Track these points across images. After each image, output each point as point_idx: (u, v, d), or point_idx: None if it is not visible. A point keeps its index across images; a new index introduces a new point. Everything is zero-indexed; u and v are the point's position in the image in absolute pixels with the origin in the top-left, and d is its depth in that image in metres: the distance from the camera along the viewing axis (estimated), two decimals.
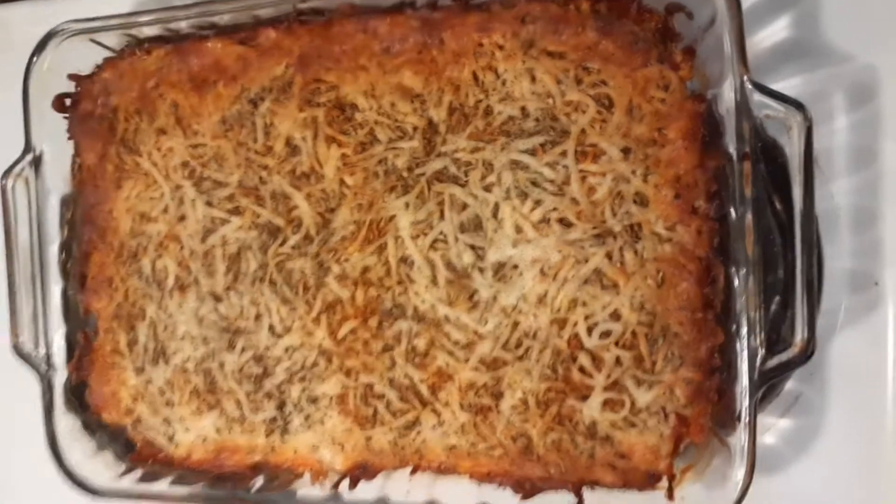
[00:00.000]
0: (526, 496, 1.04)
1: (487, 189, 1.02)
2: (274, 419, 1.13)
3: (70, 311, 1.21)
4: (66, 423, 1.18)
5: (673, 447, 0.98)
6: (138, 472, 1.19)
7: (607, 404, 0.99)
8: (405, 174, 1.05)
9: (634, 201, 0.98)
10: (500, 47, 1.02)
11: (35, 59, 1.14)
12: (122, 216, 1.17)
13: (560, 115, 1.00)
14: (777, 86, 0.90)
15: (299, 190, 1.09)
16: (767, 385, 0.90)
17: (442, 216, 1.04)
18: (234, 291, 1.13)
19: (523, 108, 1.02)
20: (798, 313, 0.88)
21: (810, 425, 1.09)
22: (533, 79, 1.01)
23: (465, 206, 1.03)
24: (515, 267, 1.02)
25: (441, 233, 1.04)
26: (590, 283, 0.99)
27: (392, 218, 1.06)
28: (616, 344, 0.99)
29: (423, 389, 1.06)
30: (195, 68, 1.13)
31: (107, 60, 1.17)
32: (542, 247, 1.00)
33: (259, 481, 1.15)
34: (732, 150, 0.91)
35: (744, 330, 0.90)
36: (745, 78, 0.89)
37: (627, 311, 0.98)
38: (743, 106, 0.89)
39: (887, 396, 1.06)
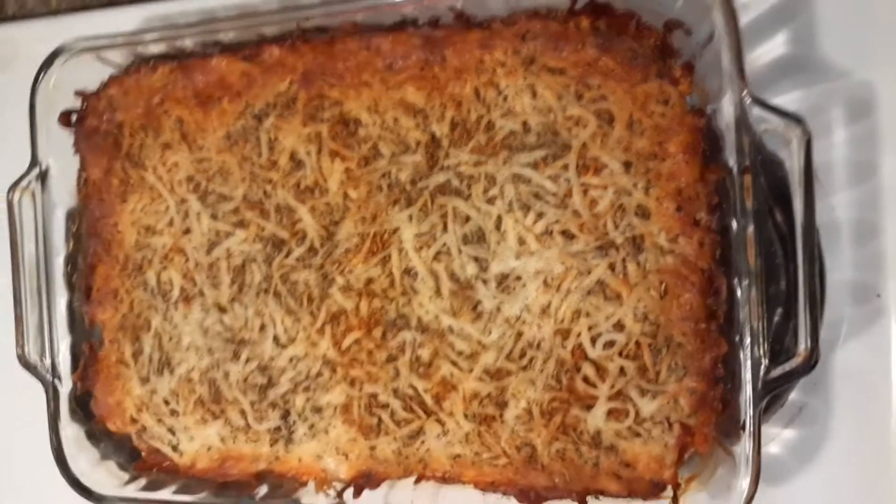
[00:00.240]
0: None
1: (490, 202, 1.03)
2: (278, 428, 1.13)
3: (75, 322, 1.21)
4: (72, 433, 1.18)
5: (677, 457, 0.99)
6: (143, 481, 1.19)
7: (611, 414, 1.00)
8: (408, 187, 1.06)
9: (636, 214, 0.99)
10: (502, 64, 1.03)
11: (42, 75, 1.14)
12: (128, 229, 1.18)
13: (561, 130, 1.01)
14: (776, 100, 0.91)
15: (303, 203, 1.10)
16: (771, 395, 0.91)
17: (445, 228, 1.04)
18: (238, 303, 1.13)
19: (525, 123, 1.03)
20: (801, 323, 0.89)
21: (814, 436, 1.10)
22: (534, 94, 1.02)
23: (468, 219, 1.04)
24: (519, 278, 1.02)
25: (444, 245, 1.04)
26: (593, 294, 1.00)
27: (396, 230, 1.06)
28: (620, 354, 0.99)
29: (428, 399, 1.06)
30: (200, 85, 1.14)
31: (112, 77, 1.18)
32: (545, 258, 1.01)
33: (263, 490, 1.15)
34: (733, 163, 0.91)
35: (747, 340, 0.91)
36: (745, 92, 0.90)
37: (631, 322, 0.99)
38: (742, 120, 0.90)
39: (891, 407, 1.07)
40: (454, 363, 1.05)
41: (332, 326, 1.09)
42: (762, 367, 0.90)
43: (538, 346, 1.02)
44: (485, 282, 1.04)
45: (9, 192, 1.16)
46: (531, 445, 1.04)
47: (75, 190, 1.21)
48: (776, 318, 0.97)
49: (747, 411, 0.90)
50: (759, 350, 0.90)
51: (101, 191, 1.19)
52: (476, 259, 1.04)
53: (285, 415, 1.12)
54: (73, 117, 1.19)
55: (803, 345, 0.89)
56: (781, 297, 0.97)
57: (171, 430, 1.18)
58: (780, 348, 0.95)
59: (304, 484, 1.14)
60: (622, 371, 1.00)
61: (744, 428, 0.90)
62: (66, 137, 1.19)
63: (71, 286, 1.21)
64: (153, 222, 1.17)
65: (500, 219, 1.03)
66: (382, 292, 1.07)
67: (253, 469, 1.16)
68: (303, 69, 1.10)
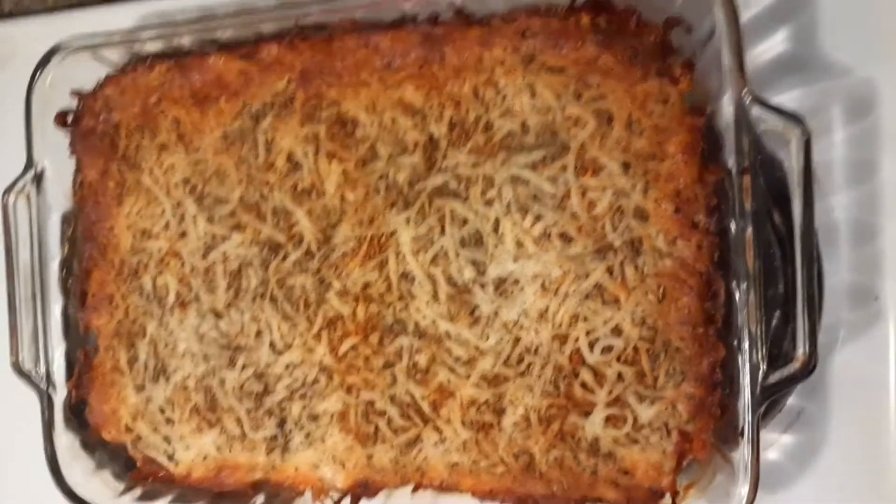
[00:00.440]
0: None
1: (488, 204, 1.02)
2: (275, 437, 1.12)
3: (70, 328, 1.21)
4: (66, 441, 1.17)
5: (676, 463, 0.98)
6: (138, 491, 1.18)
7: (609, 420, 0.99)
8: (406, 189, 1.05)
9: (634, 216, 0.97)
10: (501, 62, 1.02)
11: (38, 74, 1.14)
12: (123, 233, 1.17)
13: (560, 130, 1.00)
14: (775, 99, 0.89)
15: (300, 206, 1.09)
16: (770, 400, 0.90)
17: (443, 231, 1.03)
18: (234, 308, 1.13)
19: (523, 123, 1.02)
20: (799, 328, 0.88)
21: (813, 441, 1.08)
22: (533, 93, 1.01)
23: (465, 222, 1.03)
24: (516, 282, 1.01)
25: (442, 248, 1.03)
26: (591, 298, 0.99)
27: (393, 233, 1.05)
28: (618, 359, 0.98)
29: (425, 406, 1.05)
30: (197, 84, 1.13)
31: (109, 77, 1.18)
32: (542, 262, 1.00)
33: (260, 499, 1.15)
34: (732, 163, 0.91)
35: (745, 344, 0.90)
36: (744, 91, 0.89)
37: (629, 326, 0.98)
38: (742, 119, 0.89)
39: (889, 411, 1.05)
40: (451, 369, 1.04)
41: (328, 332, 1.08)
42: (760, 372, 0.89)
43: (536, 351, 1.01)
44: (482, 286, 1.03)
45: (4, 194, 1.15)
46: (529, 453, 1.03)
47: (70, 192, 1.20)
48: (774, 322, 0.96)
49: (746, 417, 0.89)
50: (757, 355, 0.89)
51: (96, 193, 1.18)
52: (474, 263, 1.03)
53: (281, 423, 1.12)
54: (70, 117, 1.18)
55: (801, 349, 0.88)
56: (779, 301, 0.96)
57: (167, 439, 1.18)
58: (777, 352, 0.93)
59: (301, 493, 1.14)
60: (620, 376, 0.98)
61: (742, 434, 0.89)
62: (61, 138, 1.18)
63: (66, 291, 1.21)
64: (149, 226, 1.16)
65: (497, 221, 1.02)
66: (379, 297, 1.06)
67: (249, 478, 1.15)
68: (301, 68, 1.09)
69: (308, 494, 1.13)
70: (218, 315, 1.13)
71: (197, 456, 1.16)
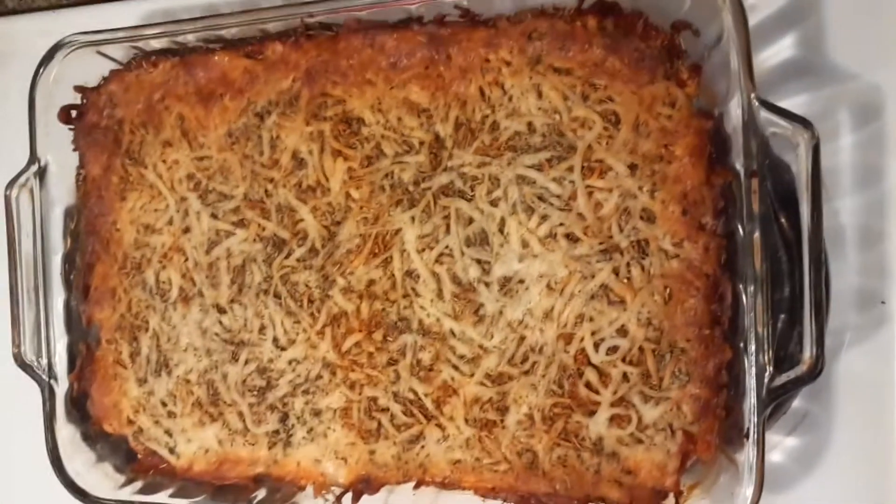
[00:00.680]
0: None
1: (494, 203, 1.02)
2: (277, 432, 1.12)
3: (72, 321, 1.21)
4: (67, 433, 1.18)
5: (680, 464, 0.98)
6: (139, 484, 1.18)
7: (614, 420, 0.99)
8: (411, 188, 1.05)
9: (641, 217, 0.98)
10: (507, 63, 1.02)
11: (42, 70, 1.14)
12: (126, 227, 1.17)
13: (566, 131, 1.00)
14: (782, 104, 0.89)
15: (305, 203, 1.09)
16: (775, 403, 0.90)
17: (448, 230, 1.04)
18: (238, 303, 1.13)
19: (530, 124, 1.02)
20: (806, 331, 0.88)
21: (817, 443, 1.09)
22: (539, 95, 1.01)
23: (471, 221, 1.03)
24: (522, 281, 1.02)
25: (447, 247, 1.04)
26: (596, 299, 0.99)
27: (398, 231, 1.06)
28: (623, 360, 0.99)
29: (428, 403, 1.05)
30: (202, 81, 1.13)
31: (113, 73, 1.18)
32: (548, 262, 1.00)
33: (261, 494, 1.15)
34: (739, 167, 0.91)
35: (752, 347, 0.90)
36: (753, 95, 0.89)
37: (634, 327, 0.98)
38: (750, 123, 0.89)
39: (894, 415, 1.06)
40: (455, 367, 1.04)
41: (332, 328, 1.09)
42: (767, 374, 0.89)
43: (540, 350, 1.01)
44: (487, 285, 1.03)
45: (7, 188, 1.15)
46: (532, 451, 1.03)
47: (74, 187, 1.20)
48: (779, 326, 0.96)
49: (751, 419, 0.89)
50: (763, 357, 0.89)
51: (100, 188, 1.18)
52: (479, 262, 1.03)
53: (284, 418, 1.12)
54: (73, 113, 1.18)
55: (808, 352, 0.88)
56: (785, 305, 0.96)
57: (168, 432, 1.18)
58: (784, 355, 0.94)
59: (303, 488, 1.14)
60: (625, 377, 0.99)
61: (747, 436, 0.89)
62: (65, 134, 1.18)
63: (68, 285, 1.21)
64: (152, 221, 1.16)
65: (503, 221, 1.02)
66: (384, 294, 1.07)
67: (251, 472, 1.15)
68: (306, 67, 1.09)
69: (310, 489, 1.13)
70: (221, 310, 1.14)
71: (198, 449, 1.17)
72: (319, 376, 1.10)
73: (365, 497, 1.10)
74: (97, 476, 1.18)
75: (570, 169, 1.00)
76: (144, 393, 1.18)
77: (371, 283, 1.07)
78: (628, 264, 0.98)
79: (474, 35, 1.03)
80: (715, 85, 0.96)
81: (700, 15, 0.96)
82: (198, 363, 1.15)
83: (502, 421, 1.03)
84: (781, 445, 1.09)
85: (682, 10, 0.98)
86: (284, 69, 1.10)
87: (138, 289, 1.17)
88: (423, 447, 1.07)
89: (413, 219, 1.05)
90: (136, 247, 1.17)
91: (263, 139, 1.11)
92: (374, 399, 1.08)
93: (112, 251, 1.18)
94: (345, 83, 1.08)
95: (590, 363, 1.00)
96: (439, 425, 1.06)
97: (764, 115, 0.89)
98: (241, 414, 1.13)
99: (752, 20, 0.96)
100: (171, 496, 1.16)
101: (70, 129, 1.18)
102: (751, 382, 0.90)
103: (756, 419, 0.89)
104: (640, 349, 0.98)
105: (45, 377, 1.17)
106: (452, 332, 1.04)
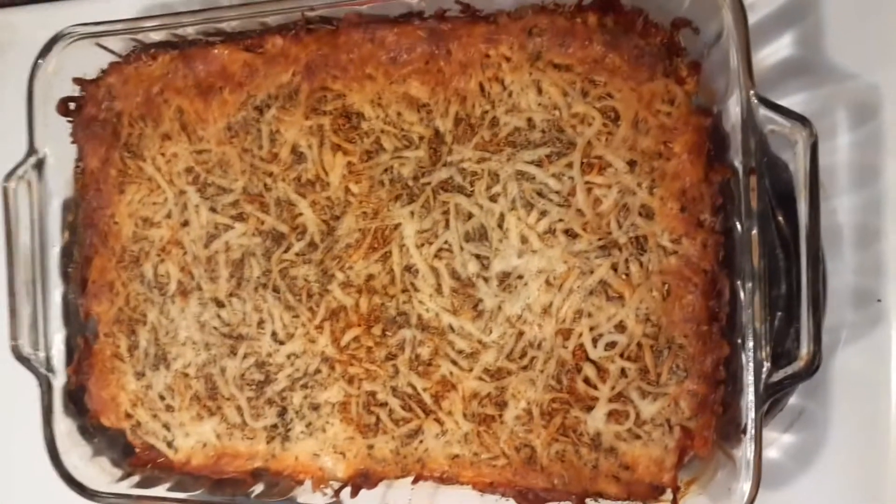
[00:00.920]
0: None
1: (493, 199, 1.03)
2: (275, 426, 1.13)
3: (70, 314, 1.21)
4: (65, 427, 1.18)
5: (677, 459, 0.98)
6: (136, 477, 1.18)
7: (612, 416, 1.00)
8: (411, 183, 1.06)
9: (640, 214, 0.98)
10: (507, 59, 1.02)
11: (40, 61, 1.14)
12: (125, 221, 1.17)
13: (566, 127, 1.01)
14: (781, 102, 0.90)
15: (304, 197, 1.09)
16: (772, 399, 0.90)
17: (447, 225, 1.04)
18: (236, 297, 1.13)
19: (529, 120, 1.02)
20: (804, 327, 0.88)
21: (814, 440, 1.09)
22: (539, 91, 1.02)
23: (470, 216, 1.03)
24: (520, 277, 1.02)
25: (446, 242, 1.04)
26: (595, 295, 0.99)
27: (397, 226, 1.06)
28: (621, 355, 0.99)
29: (427, 398, 1.06)
30: (201, 74, 1.13)
31: (112, 65, 1.17)
32: (547, 257, 1.01)
33: (259, 488, 1.15)
34: (738, 164, 0.91)
35: (749, 343, 0.90)
36: (752, 93, 0.89)
37: (633, 323, 0.98)
38: (749, 120, 0.90)
39: (890, 412, 1.06)
40: (454, 362, 1.04)
41: (331, 323, 1.09)
42: (764, 370, 0.90)
43: (539, 345, 1.02)
44: (486, 280, 1.03)
45: (5, 180, 1.15)
46: (530, 446, 1.03)
47: (72, 180, 1.20)
48: (776, 323, 0.97)
49: (748, 415, 0.90)
50: (761, 353, 0.90)
51: (98, 181, 1.18)
52: (478, 257, 1.03)
53: (282, 412, 1.12)
54: (72, 105, 1.18)
55: (805, 348, 0.88)
56: (782, 302, 0.96)
57: (166, 426, 1.18)
58: (780, 352, 0.94)
59: (301, 482, 1.14)
60: (623, 372, 0.99)
61: (745, 432, 0.90)
62: (63, 126, 1.18)
63: (66, 278, 1.21)
64: (151, 214, 1.16)
65: (502, 216, 1.02)
66: (383, 289, 1.07)
67: (249, 467, 1.15)
68: (306, 60, 1.09)
69: (308, 484, 1.13)
70: (219, 304, 1.14)
71: (196, 443, 1.17)
72: (318, 371, 1.10)
73: (363, 492, 1.10)
74: (94, 469, 1.18)
75: (570, 165, 1.00)
76: (142, 386, 1.18)
77: (370, 277, 1.07)
78: (627, 260, 0.98)
79: (475, 30, 1.03)
80: (714, 82, 0.97)
81: (700, 13, 0.96)
82: (196, 357, 1.15)
83: (501, 416, 1.04)
84: (778, 442, 1.10)
85: (682, 8, 0.98)
86: (284, 63, 1.10)
87: (136, 282, 1.17)
88: (421, 442, 1.07)
89: (412, 214, 1.05)
90: (134, 240, 1.17)
91: (263, 133, 1.11)
92: (373, 393, 1.08)
93: (110, 244, 1.18)
94: (345, 77, 1.08)
95: (588, 359, 1.00)
96: (438, 420, 1.06)
97: (763, 112, 0.89)
98: (239, 408, 1.13)
99: (752, 18, 0.96)
100: (169, 490, 1.16)
101: (69, 121, 1.18)
102: (748, 378, 0.90)
103: (753, 415, 0.90)
104: (639, 345, 0.98)
105: (42, 370, 1.17)
106: (451, 327, 1.04)
